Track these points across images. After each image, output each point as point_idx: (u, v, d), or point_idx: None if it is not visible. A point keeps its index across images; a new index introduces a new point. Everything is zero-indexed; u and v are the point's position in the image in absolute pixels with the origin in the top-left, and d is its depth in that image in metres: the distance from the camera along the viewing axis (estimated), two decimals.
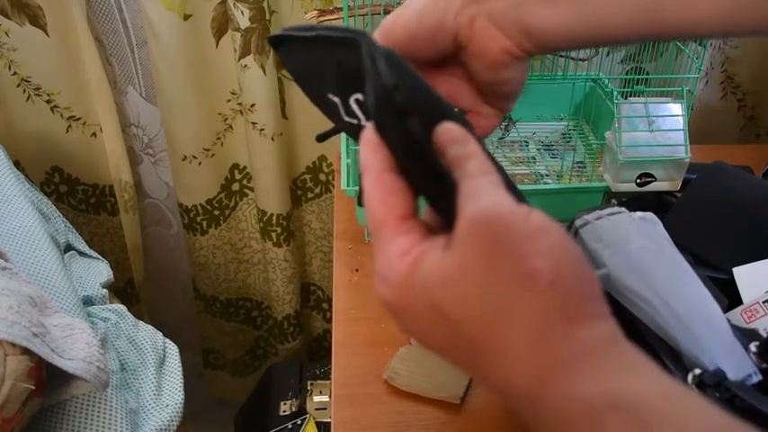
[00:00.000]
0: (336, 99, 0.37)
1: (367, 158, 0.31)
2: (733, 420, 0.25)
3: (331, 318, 0.93)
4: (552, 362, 0.26)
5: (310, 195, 1.24)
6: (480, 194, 0.28)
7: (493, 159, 0.36)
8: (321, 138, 0.41)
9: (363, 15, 0.79)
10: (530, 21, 0.38)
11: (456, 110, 0.41)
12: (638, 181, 0.75)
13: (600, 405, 0.25)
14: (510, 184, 0.32)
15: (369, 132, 0.31)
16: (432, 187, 0.31)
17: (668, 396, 0.25)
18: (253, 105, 1.04)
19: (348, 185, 0.77)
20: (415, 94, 0.31)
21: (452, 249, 0.28)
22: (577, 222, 0.59)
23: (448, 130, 0.31)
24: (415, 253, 0.29)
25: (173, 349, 0.82)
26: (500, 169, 0.37)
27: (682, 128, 0.74)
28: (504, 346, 0.27)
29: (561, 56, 0.88)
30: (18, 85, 1.04)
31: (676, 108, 0.75)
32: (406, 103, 0.29)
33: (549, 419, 0.26)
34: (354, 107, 0.35)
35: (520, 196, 0.34)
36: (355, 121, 0.36)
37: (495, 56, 0.40)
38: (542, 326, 0.26)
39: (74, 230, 0.94)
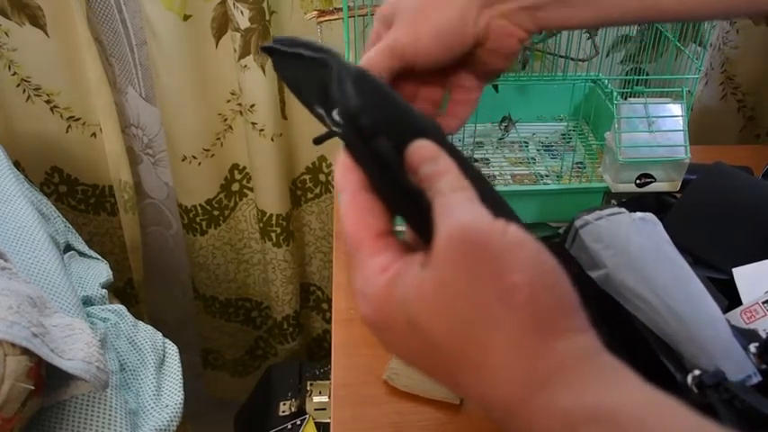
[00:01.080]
0: (321, 111, 0.37)
1: (341, 179, 0.31)
2: (716, 427, 0.25)
3: (331, 318, 0.92)
4: (530, 376, 0.26)
5: (310, 196, 1.24)
6: (456, 211, 0.28)
7: (472, 168, 0.36)
8: (317, 141, 0.41)
9: (363, 16, 0.78)
10: (542, 19, 0.44)
11: (431, 123, 0.41)
12: (638, 181, 0.75)
13: (579, 418, 0.25)
14: (490, 195, 0.32)
15: (341, 153, 0.32)
16: (406, 206, 0.31)
17: (649, 406, 0.25)
18: (252, 106, 1.04)
19: None
20: (384, 115, 0.31)
21: (430, 266, 0.28)
22: (577, 223, 0.59)
23: (419, 149, 0.31)
24: (393, 270, 0.29)
25: (172, 349, 0.82)
26: (481, 179, 0.37)
27: (681, 128, 0.74)
28: (482, 360, 0.27)
29: (561, 56, 0.88)
30: (18, 86, 1.04)
31: (676, 109, 0.75)
32: (372, 126, 0.29)
33: None
34: (338, 119, 0.36)
35: (502, 206, 0.34)
36: (341, 131, 0.37)
37: (511, 47, 0.44)
38: (520, 340, 0.26)
39: (73, 231, 0.94)
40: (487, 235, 0.27)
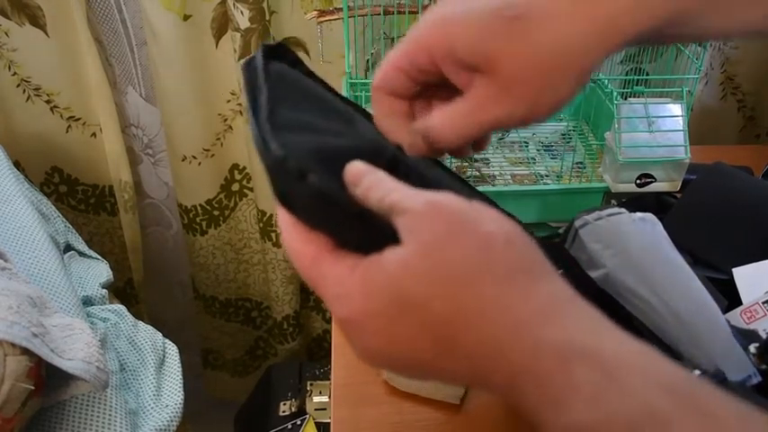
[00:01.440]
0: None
1: (281, 216, 0.33)
2: (686, 372, 0.26)
3: (331, 318, 0.92)
4: (523, 312, 0.27)
5: None
6: (417, 195, 0.30)
7: (447, 170, 0.37)
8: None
9: (363, 16, 0.79)
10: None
11: (365, 148, 0.39)
12: (638, 182, 0.75)
13: (568, 353, 0.26)
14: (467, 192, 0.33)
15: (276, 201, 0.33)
16: (350, 228, 0.32)
17: (628, 347, 0.27)
18: None
19: None
20: (310, 157, 0.32)
21: (407, 240, 0.29)
22: (577, 223, 0.59)
23: (354, 167, 0.32)
24: (363, 265, 0.30)
25: (172, 349, 0.82)
26: (459, 179, 0.38)
27: (681, 128, 0.74)
28: (475, 309, 0.27)
29: None
30: (18, 86, 1.04)
31: (676, 109, 0.75)
32: (300, 167, 0.30)
33: (521, 374, 0.27)
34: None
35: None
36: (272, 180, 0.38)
37: None
38: (508, 281, 0.28)
39: (73, 231, 0.94)
40: (454, 203, 0.29)
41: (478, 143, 0.41)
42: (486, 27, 0.33)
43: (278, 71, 0.39)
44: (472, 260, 0.28)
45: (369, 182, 0.31)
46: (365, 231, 0.31)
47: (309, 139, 0.34)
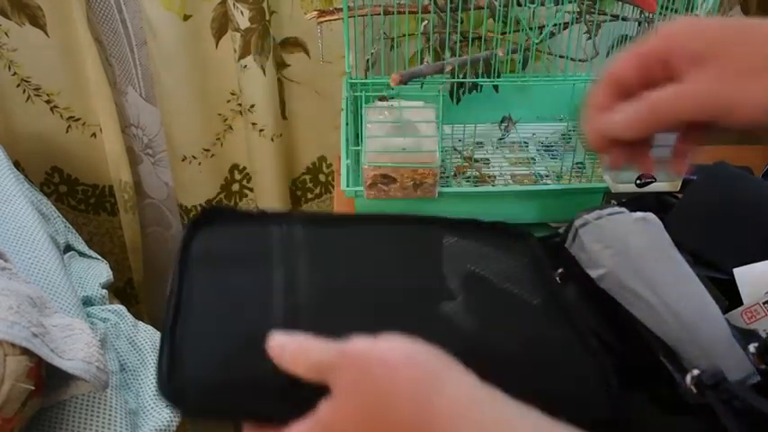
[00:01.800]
0: None
1: None
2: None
3: None
4: (438, 423, 0.30)
5: (310, 196, 1.24)
6: (329, 346, 0.33)
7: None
8: None
9: (363, 16, 0.79)
10: None
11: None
12: (638, 181, 0.75)
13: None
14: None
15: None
16: (283, 404, 0.34)
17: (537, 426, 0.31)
18: (252, 106, 1.04)
19: (348, 186, 0.77)
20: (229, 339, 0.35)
21: (332, 391, 0.32)
22: (577, 222, 0.59)
23: (273, 343, 0.35)
24: (297, 426, 0.33)
25: None
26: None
27: None
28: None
29: (561, 56, 0.88)
30: (18, 86, 1.05)
31: None
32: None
33: None
34: None
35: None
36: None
37: None
38: (418, 399, 0.31)
39: (73, 231, 0.94)
40: (358, 347, 0.33)
41: (694, 132, 0.46)
42: (721, 25, 0.40)
43: (205, 247, 0.40)
44: (384, 393, 0.31)
45: (290, 352, 0.34)
46: (298, 395, 0.33)
47: (227, 326, 0.36)
